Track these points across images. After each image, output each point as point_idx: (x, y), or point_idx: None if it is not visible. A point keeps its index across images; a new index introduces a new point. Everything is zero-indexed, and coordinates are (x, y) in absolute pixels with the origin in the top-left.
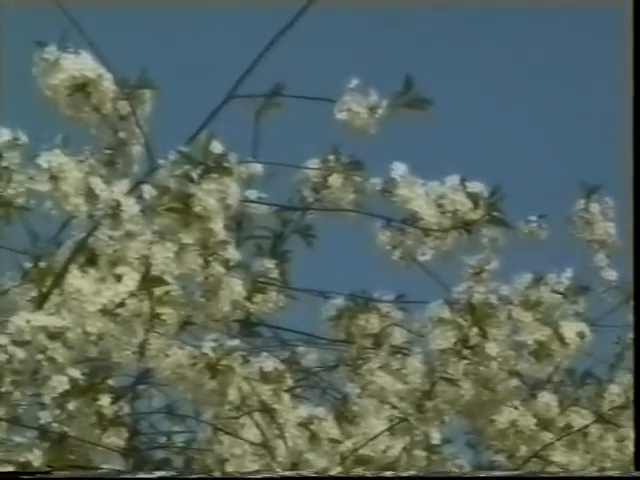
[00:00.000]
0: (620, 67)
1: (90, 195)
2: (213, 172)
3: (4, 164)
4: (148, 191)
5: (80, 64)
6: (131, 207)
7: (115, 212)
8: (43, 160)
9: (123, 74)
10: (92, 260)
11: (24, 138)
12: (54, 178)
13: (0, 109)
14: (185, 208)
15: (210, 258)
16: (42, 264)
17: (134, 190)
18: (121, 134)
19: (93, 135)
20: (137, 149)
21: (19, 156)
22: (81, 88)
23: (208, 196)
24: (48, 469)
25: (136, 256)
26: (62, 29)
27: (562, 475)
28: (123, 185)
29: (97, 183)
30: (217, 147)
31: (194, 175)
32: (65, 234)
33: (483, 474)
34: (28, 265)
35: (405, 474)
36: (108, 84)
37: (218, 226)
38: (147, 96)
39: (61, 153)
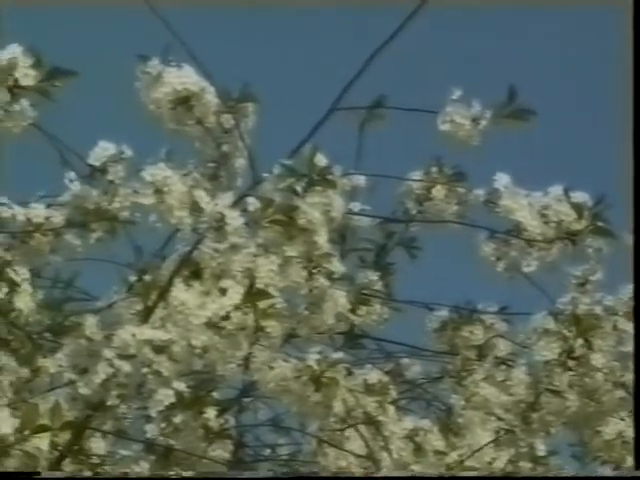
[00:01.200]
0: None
1: (194, 208)
2: (317, 185)
3: (109, 178)
4: (252, 204)
5: (183, 77)
6: (235, 220)
7: (219, 225)
8: (148, 174)
9: (226, 87)
10: (197, 273)
11: (128, 152)
12: (159, 191)
13: (104, 122)
14: (289, 221)
15: (314, 271)
16: (147, 278)
17: (238, 203)
18: (224, 147)
19: (197, 148)
20: (240, 162)
21: (124, 170)
22: (184, 102)
23: (312, 209)
24: (37, 470)
25: (240, 269)
26: (165, 42)
27: (563, 475)
28: (227, 198)
29: (202, 196)
30: (321, 160)
31: (298, 188)
32: (169, 247)
33: (474, 474)
34: (133, 279)
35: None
36: (211, 97)
37: (322, 239)
38: (250, 109)
39: (165, 166)
